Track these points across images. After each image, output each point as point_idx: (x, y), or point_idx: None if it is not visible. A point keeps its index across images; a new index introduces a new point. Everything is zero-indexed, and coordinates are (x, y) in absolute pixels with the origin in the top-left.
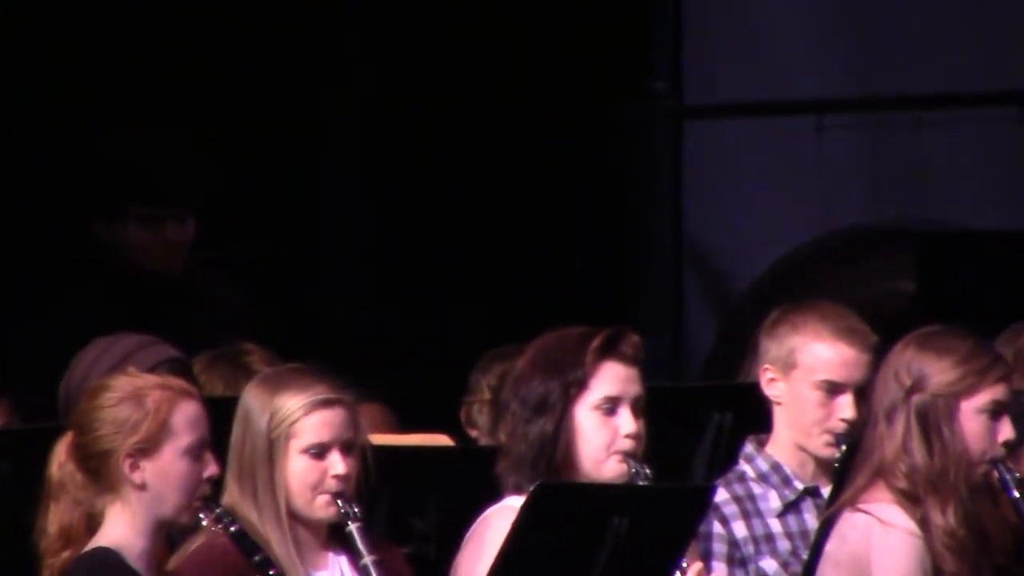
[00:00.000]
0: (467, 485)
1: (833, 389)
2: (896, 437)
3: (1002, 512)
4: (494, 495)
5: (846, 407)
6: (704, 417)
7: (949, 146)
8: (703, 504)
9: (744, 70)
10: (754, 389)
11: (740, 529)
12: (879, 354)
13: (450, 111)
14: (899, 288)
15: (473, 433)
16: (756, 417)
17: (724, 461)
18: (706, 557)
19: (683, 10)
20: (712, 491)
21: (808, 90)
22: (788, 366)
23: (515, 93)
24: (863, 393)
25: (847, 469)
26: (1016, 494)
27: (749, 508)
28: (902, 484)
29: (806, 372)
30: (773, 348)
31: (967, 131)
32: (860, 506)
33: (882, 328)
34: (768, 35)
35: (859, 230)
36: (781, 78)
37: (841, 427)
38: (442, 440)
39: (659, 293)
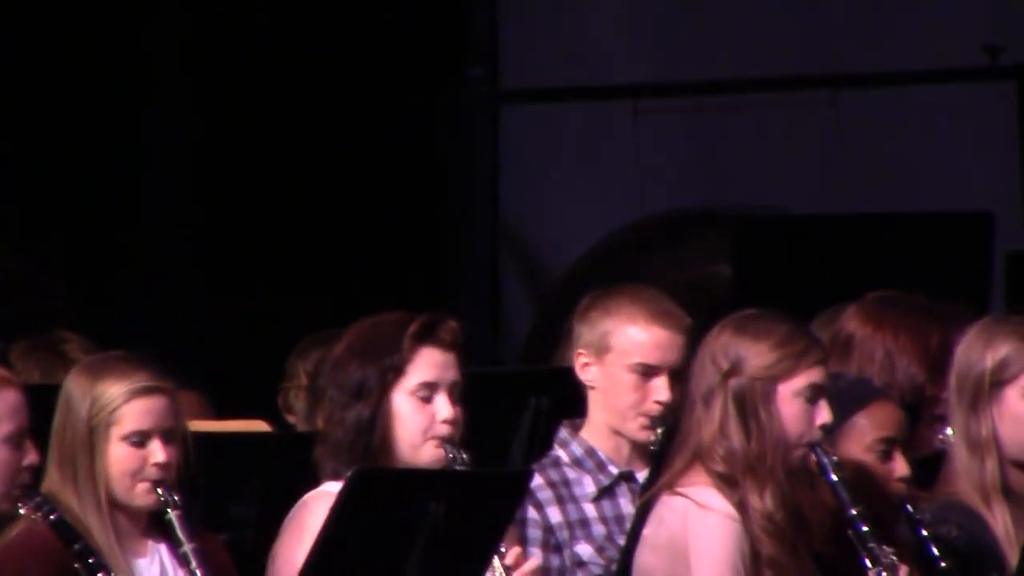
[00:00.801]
0: (285, 471)
1: (647, 372)
2: (714, 421)
3: (820, 495)
4: (312, 481)
5: (661, 390)
6: (521, 402)
7: (763, 130)
8: (520, 489)
9: (561, 56)
10: (570, 373)
11: (555, 515)
12: (695, 337)
13: (270, 98)
14: (716, 272)
15: (291, 419)
16: (573, 401)
17: (542, 446)
18: (522, 543)
19: None
20: (529, 476)
21: (624, 75)
22: (602, 350)
23: (336, 80)
24: (677, 376)
25: (664, 453)
26: (834, 477)
27: (564, 493)
28: (720, 467)
29: (620, 356)
30: (586, 332)
31: (781, 115)
32: (678, 489)
33: (699, 312)
34: (584, 21)
35: (675, 215)
36: (597, 63)
37: (656, 410)
38: (259, 426)
39: (477, 278)
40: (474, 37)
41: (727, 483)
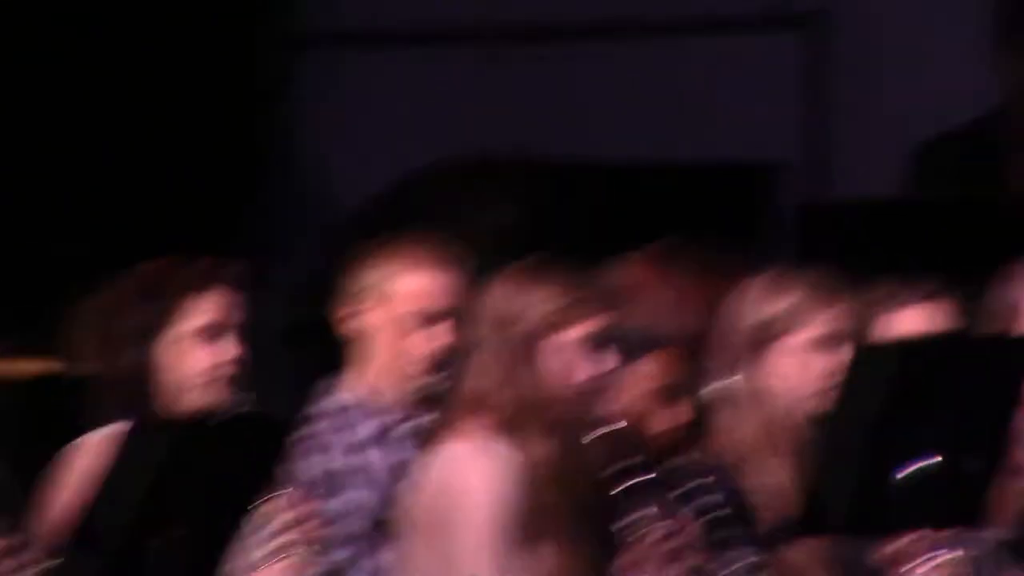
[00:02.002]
0: (65, 413)
1: (430, 317)
2: (493, 368)
3: (600, 442)
4: (94, 424)
5: (443, 334)
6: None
7: (560, 78)
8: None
9: (363, 1)
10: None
11: (336, 458)
12: (477, 283)
13: (59, 35)
14: (503, 220)
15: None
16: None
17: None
18: (302, 486)
19: None
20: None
21: (427, 20)
22: (383, 296)
23: (135, 23)
24: (459, 321)
25: (445, 399)
26: (617, 425)
27: (344, 438)
28: (499, 415)
29: (401, 301)
30: (367, 278)
31: (588, 62)
32: (456, 436)
33: (484, 258)
34: None
35: (469, 161)
36: (402, 7)
37: (439, 354)
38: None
39: (275, 220)
40: None
41: (506, 430)
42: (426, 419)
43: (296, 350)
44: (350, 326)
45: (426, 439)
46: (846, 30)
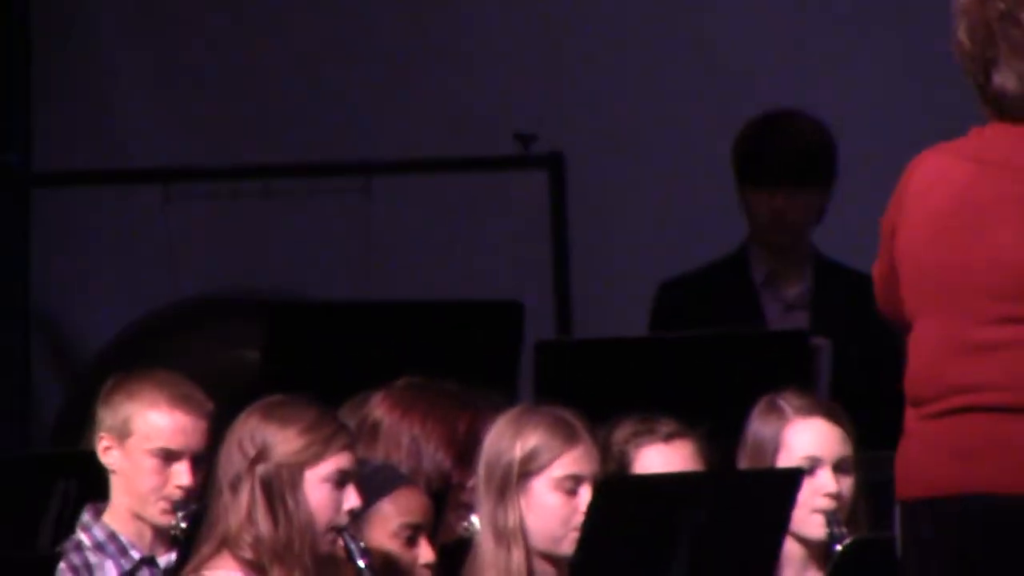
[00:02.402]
0: None
1: (168, 456)
2: (241, 507)
3: None
4: None
5: (182, 474)
6: (49, 485)
7: (297, 217)
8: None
9: (94, 138)
10: (96, 457)
11: None
12: (222, 423)
13: None
14: (245, 358)
15: None
16: (100, 485)
17: (69, 530)
18: None
19: (32, 77)
20: (56, 559)
21: (156, 160)
22: (123, 434)
23: None
24: (200, 461)
25: (189, 539)
26: (361, 563)
27: None
28: (247, 554)
29: (141, 440)
30: (108, 416)
31: (315, 202)
32: (204, 573)
33: (227, 398)
34: (118, 103)
35: (206, 300)
36: (131, 147)
37: (177, 495)
38: None
39: (6, 361)
40: (6, 119)
41: (255, 570)
42: (167, 558)
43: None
44: (102, 462)
45: None
46: (587, 172)
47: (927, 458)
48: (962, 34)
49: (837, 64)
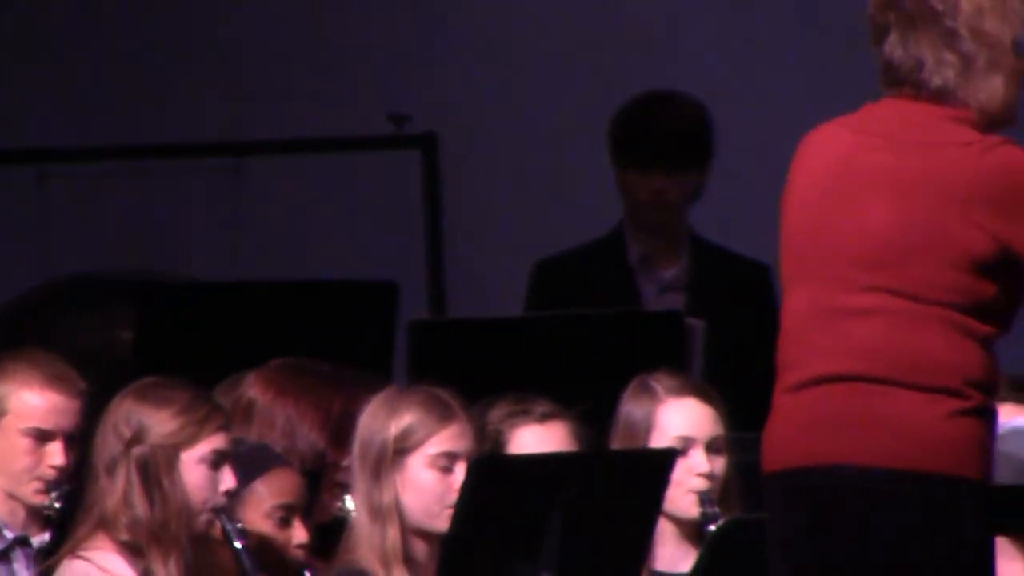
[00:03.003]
0: None
1: (42, 436)
2: (117, 489)
3: (225, 562)
4: None
5: (56, 454)
6: None
7: (172, 197)
8: None
9: None
10: None
11: None
12: (96, 404)
13: None
14: (119, 337)
15: None
16: None
17: None
18: None
19: None
20: None
21: (30, 139)
22: None
23: None
24: (73, 440)
25: (64, 519)
26: (238, 544)
27: None
28: (124, 536)
29: (14, 419)
30: None
31: (189, 182)
32: (80, 553)
33: (101, 378)
34: None
35: (79, 280)
36: (2, 127)
37: (51, 474)
38: None
39: None
40: None
41: (131, 551)
42: (41, 538)
43: None
44: None
45: (48, 560)
46: (461, 152)
47: (784, 430)
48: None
49: (712, 44)
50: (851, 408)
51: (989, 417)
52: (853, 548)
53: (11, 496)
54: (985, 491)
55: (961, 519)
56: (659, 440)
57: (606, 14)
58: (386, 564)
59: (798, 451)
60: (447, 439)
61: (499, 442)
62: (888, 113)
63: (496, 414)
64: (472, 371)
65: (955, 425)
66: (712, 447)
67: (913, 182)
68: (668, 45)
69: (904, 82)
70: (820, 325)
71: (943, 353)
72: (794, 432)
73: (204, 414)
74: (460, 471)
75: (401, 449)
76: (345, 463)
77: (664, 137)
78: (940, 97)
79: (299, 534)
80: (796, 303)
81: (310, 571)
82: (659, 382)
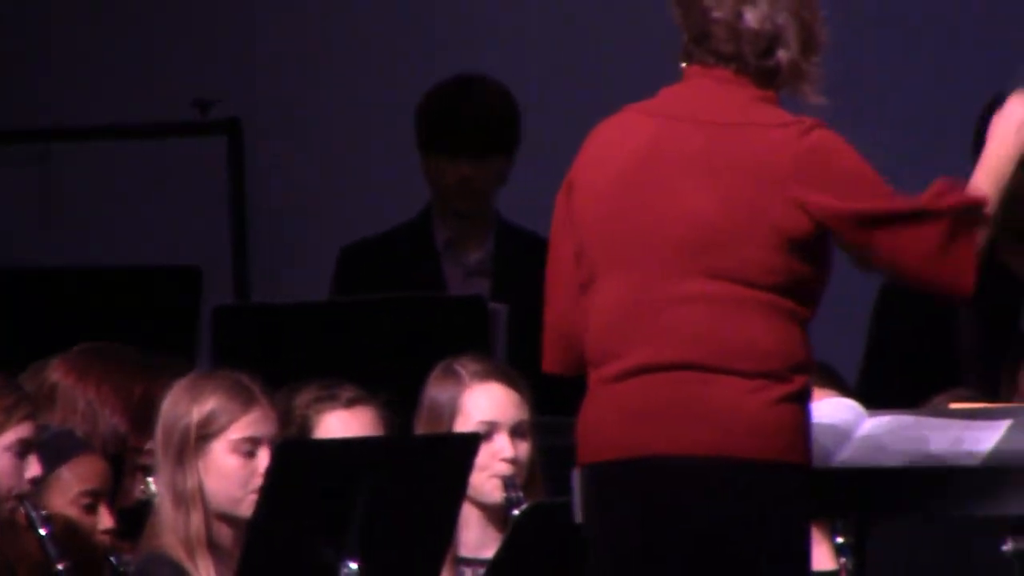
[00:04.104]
0: None
1: None
2: None
3: (29, 549)
4: None
5: None
6: None
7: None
8: None
9: None
10: None
11: None
12: None
13: None
14: None
15: None
16: None
17: None
18: None
19: None
20: None
21: None
22: None
23: None
24: None
25: None
26: (43, 531)
27: None
28: None
29: None
30: None
31: (23, 165)
32: None
33: None
34: None
35: None
36: None
37: None
38: None
39: None
40: None
41: None
42: None
43: None
44: None
45: None
46: (266, 138)
47: (607, 421)
48: None
49: (515, 30)
50: (677, 397)
51: (807, 400)
52: (683, 539)
53: None
54: (808, 476)
55: (792, 505)
56: (463, 425)
57: (412, 2)
58: (190, 550)
59: (623, 442)
60: (250, 424)
61: (305, 427)
62: (693, 95)
63: (302, 399)
64: (277, 356)
65: (782, 411)
66: (516, 432)
67: (731, 164)
68: (473, 31)
69: (731, 57)
70: (640, 313)
71: (767, 338)
72: (618, 423)
73: (10, 403)
74: (264, 456)
75: (204, 435)
76: (148, 447)
77: (471, 124)
78: (760, 77)
79: (105, 520)
80: (609, 293)
81: (115, 557)
82: (463, 367)
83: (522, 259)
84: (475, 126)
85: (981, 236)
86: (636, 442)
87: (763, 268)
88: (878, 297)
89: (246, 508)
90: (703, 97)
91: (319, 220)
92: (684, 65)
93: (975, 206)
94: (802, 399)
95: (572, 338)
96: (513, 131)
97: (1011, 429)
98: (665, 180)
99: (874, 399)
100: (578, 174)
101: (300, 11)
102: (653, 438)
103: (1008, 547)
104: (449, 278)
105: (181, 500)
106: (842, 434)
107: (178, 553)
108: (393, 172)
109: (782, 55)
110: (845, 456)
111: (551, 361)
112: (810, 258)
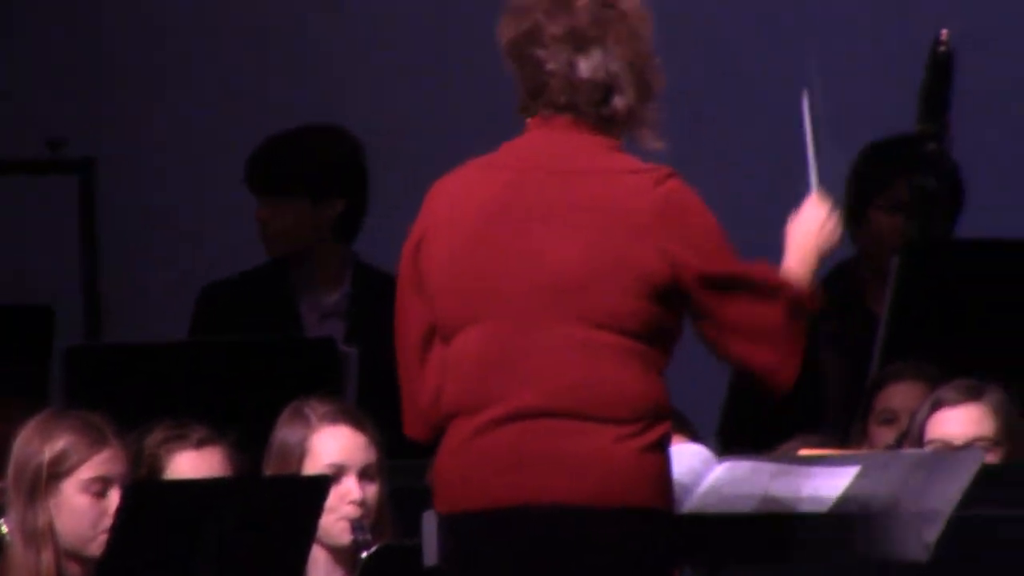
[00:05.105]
0: None
1: None
2: None
3: None
4: None
5: None
6: None
7: None
8: None
9: None
10: None
11: None
12: None
13: None
14: None
15: None
16: None
17: None
18: None
19: None
20: None
21: None
22: None
23: None
24: None
25: None
26: None
27: None
28: None
29: None
30: None
31: None
32: None
33: None
34: None
35: None
36: None
37: None
38: None
39: None
40: None
41: None
42: None
43: None
44: None
45: None
46: (120, 177)
47: (472, 471)
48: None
49: (371, 73)
50: (546, 446)
51: (668, 446)
52: None
53: None
54: (673, 522)
55: (659, 551)
56: (312, 467)
57: (274, 43)
58: None
59: (492, 492)
60: (100, 464)
61: (155, 467)
62: (539, 146)
63: (152, 439)
64: (129, 396)
65: (647, 459)
66: (365, 474)
67: (590, 210)
68: (327, 80)
69: (567, 107)
70: (507, 362)
71: (635, 385)
72: (485, 473)
73: None
74: (114, 496)
75: (55, 473)
76: (1, 486)
77: (262, 164)
78: (599, 124)
79: None
80: (468, 346)
81: None
82: (312, 409)
83: (378, 301)
84: (265, 166)
85: (806, 333)
86: (505, 493)
87: (626, 314)
88: None
89: (96, 547)
90: (550, 147)
91: (171, 260)
92: (527, 119)
93: (806, 300)
94: (665, 446)
95: (428, 414)
96: (319, 177)
97: (858, 476)
98: (523, 230)
99: (733, 443)
100: (428, 232)
101: (158, 51)
102: (523, 488)
103: None
104: (306, 319)
105: (32, 539)
106: (688, 485)
107: None
108: (249, 214)
109: (619, 102)
110: (694, 504)
111: (410, 426)
112: (672, 305)
